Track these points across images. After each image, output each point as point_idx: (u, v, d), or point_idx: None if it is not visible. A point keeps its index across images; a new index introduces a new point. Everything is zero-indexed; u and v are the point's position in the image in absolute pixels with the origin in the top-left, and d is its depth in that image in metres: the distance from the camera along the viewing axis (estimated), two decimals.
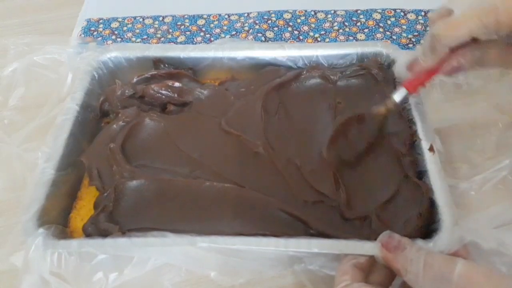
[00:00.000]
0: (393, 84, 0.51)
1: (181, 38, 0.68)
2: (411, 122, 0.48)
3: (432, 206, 0.41)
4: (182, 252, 0.40)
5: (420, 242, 0.38)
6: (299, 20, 0.69)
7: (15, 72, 0.57)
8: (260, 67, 0.56)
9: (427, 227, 0.41)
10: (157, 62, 0.55)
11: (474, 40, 0.38)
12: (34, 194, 0.43)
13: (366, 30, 0.67)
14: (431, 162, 0.44)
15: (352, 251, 0.38)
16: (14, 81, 0.57)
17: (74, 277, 0.39)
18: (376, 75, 0.52)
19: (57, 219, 0.43)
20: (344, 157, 0.47)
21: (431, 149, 0.44)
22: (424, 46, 0.41)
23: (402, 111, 0.49)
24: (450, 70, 0.41)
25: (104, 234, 0.41)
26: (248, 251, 0.39)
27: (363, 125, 0.48)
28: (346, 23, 0.68)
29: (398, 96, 0.45)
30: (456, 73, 0.42)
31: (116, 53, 0.55)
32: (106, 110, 0.53)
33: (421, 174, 0.44)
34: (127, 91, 0.53)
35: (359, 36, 0.66)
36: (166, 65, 0.56)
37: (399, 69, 0.44)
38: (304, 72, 0.54)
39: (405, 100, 0.46)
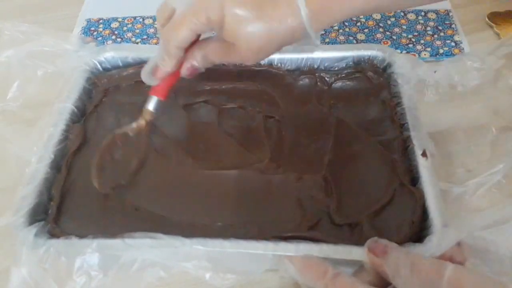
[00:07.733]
0: (388, 87, 0.51)
1: None
2: (404, 127, 0.47)
3: (424, 213, 0.41)
4: (173, 253, 0.40)
5: (410, 246, 0.38)
6: None
7: (11, 59, 0.55)
8: (256, 70, 0.55)
9: (419, 233, 0.40)
10: None
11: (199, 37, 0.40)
12: (27, 192, 0.43)
13: (366, 30, 0.66)
14: (424, 168, 0.43)
15: (340, 256, 0.38)
16: (11, 70, 0.55)
17: (61, 274, 0.39)
18: (371, 78, 0.52)
19: (48, 217, 0.43)
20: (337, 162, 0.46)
21: (424, 154, 0.44)
22: (160, 51, 0.41)
23: (395, 116, 0.48)
24: (188, 73, 0.42)
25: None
26: (238, 253, 0.39)
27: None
28: (346, 23, 0.67)
29: (151, 105, 0.44)
30: (195, 74, 0.42)
31: (112, 53, 0.56)
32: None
33: (415, 179, 0.44)
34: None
35: (359, 36, 0.65)
36: None
37: (144, 77, 0.43)
38: (299, 75, 0.54)
39: (158, 107, 0.45)
